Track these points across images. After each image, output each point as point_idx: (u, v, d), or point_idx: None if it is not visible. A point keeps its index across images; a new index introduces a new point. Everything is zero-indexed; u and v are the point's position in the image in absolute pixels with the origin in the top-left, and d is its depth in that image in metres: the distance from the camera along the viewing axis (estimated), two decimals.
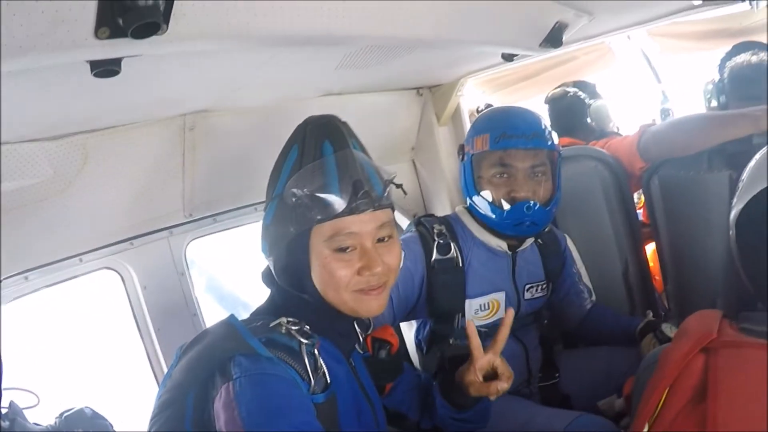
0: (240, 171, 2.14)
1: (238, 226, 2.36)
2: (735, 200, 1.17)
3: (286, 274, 1.37)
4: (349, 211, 1.27)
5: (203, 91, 1.76)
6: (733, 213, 1.16)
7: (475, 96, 4.32)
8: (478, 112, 3.50)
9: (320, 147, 1.30)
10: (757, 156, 1.18)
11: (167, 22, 0.87)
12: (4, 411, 1.43)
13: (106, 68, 0.94)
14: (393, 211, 1.41)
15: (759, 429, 0.95)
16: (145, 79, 1.38)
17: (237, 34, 1.05)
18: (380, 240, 1.34)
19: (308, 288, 1.34)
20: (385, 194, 1.34)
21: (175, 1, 0.85)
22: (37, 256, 1.80)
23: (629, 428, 1.17)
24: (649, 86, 4.51)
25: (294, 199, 1.27)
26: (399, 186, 1.40)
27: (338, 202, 1.26)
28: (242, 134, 2.05)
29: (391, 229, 1.37)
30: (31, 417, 1.54)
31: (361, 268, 1.30)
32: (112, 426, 1.24)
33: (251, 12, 1.05)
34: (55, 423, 1.60)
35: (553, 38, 1.90)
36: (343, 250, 1.29)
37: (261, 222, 1.39)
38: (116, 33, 0.84)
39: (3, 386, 1.27)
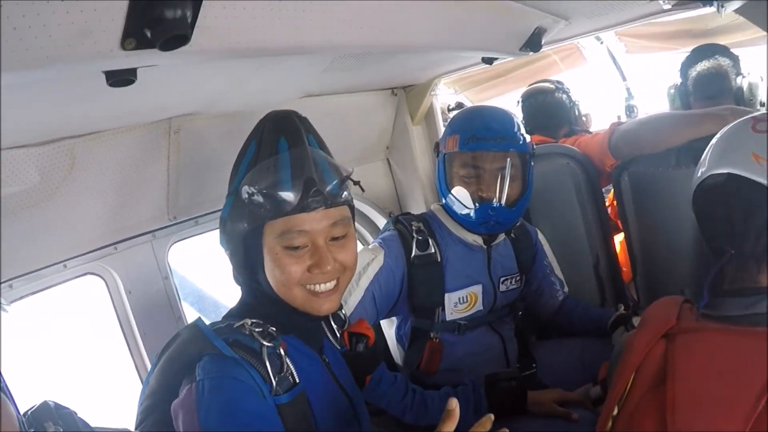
0: (222, 173, 2.10)
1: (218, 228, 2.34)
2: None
3: (242, 268, 1.38)
4: (300, 208, 1.27)
5: (191, 96, 1.75)
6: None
7: (445, 94, 4.38)
8: (449, 110, 3.54)
9: (276, 143, 1.30)
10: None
11: (191, 34, 0.87)
12: None
13: (122, 78, 0.93)
14: (351, 208, 1.42)
15: (714, 407, 1.03)
16: (138, 85, 1.37)
17: (251, 47, 1.06)
18: (335, 239, 1.34)
19: (262, 283, 1.35)
20: (341, 192, 1.34)
21: (199, 14, 0.86)
22: (21, 264, 1.75)
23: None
24: (614, 84, 4.64)
25: (247, 196, 1.28)
26: (357, 183, 1.41)
27: (289, 200, 1.25)
28: (225, 137, 2.04)
29: (346, 227, 1.37)
30: None
31: (312, 265, 1.31)
32: (76, 414, 1.22)
33: (267, 27, 1.07)
34: (23, 421, 1.55)
35: (533, 42, 1.97)
36: (294, 248, 1.29)
37: None
38: (142, 44, 0.85)
39: None
